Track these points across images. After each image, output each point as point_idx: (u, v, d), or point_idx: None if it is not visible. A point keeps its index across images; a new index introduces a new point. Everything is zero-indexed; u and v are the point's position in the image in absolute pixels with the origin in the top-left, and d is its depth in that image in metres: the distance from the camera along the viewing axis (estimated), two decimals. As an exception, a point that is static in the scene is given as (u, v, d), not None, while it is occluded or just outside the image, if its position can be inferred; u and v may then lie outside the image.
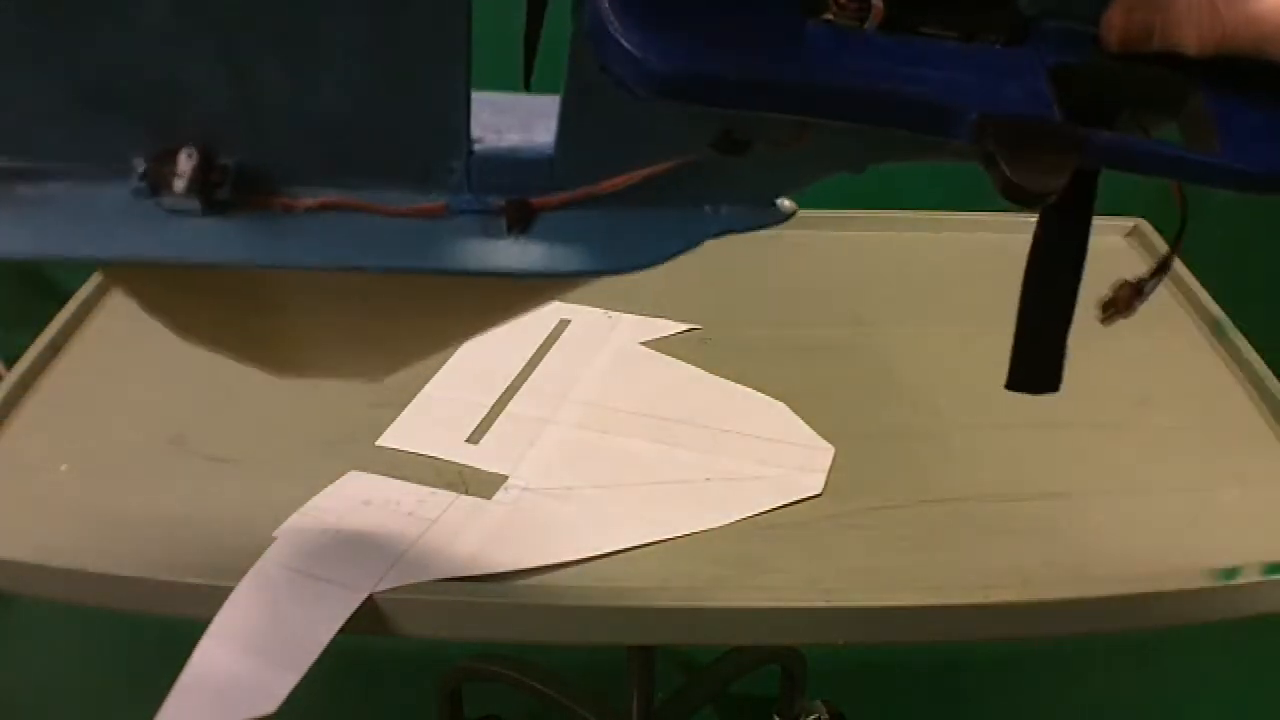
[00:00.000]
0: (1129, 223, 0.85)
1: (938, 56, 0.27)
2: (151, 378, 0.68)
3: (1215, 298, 0.76)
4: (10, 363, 0.68)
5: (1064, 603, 0.51)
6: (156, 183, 0.29)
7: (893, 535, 0.56)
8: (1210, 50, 0.26)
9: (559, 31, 0.28)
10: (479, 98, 0.30)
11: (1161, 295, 0.80)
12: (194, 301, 0.36)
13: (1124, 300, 0.33)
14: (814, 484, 0.58)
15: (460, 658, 1.04)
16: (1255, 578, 0.52)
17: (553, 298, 0.37)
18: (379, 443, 0.61)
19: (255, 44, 0.27)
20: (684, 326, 0.73)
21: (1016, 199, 0.26)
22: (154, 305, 0.37)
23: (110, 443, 0.62)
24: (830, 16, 0.26)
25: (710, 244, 0.88)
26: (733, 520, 0.56)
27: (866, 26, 0.26)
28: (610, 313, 0.74)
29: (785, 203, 0.33)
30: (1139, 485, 0.60)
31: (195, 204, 0.29)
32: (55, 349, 0.70)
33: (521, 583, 0.52)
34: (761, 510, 0.57)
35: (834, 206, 0.87)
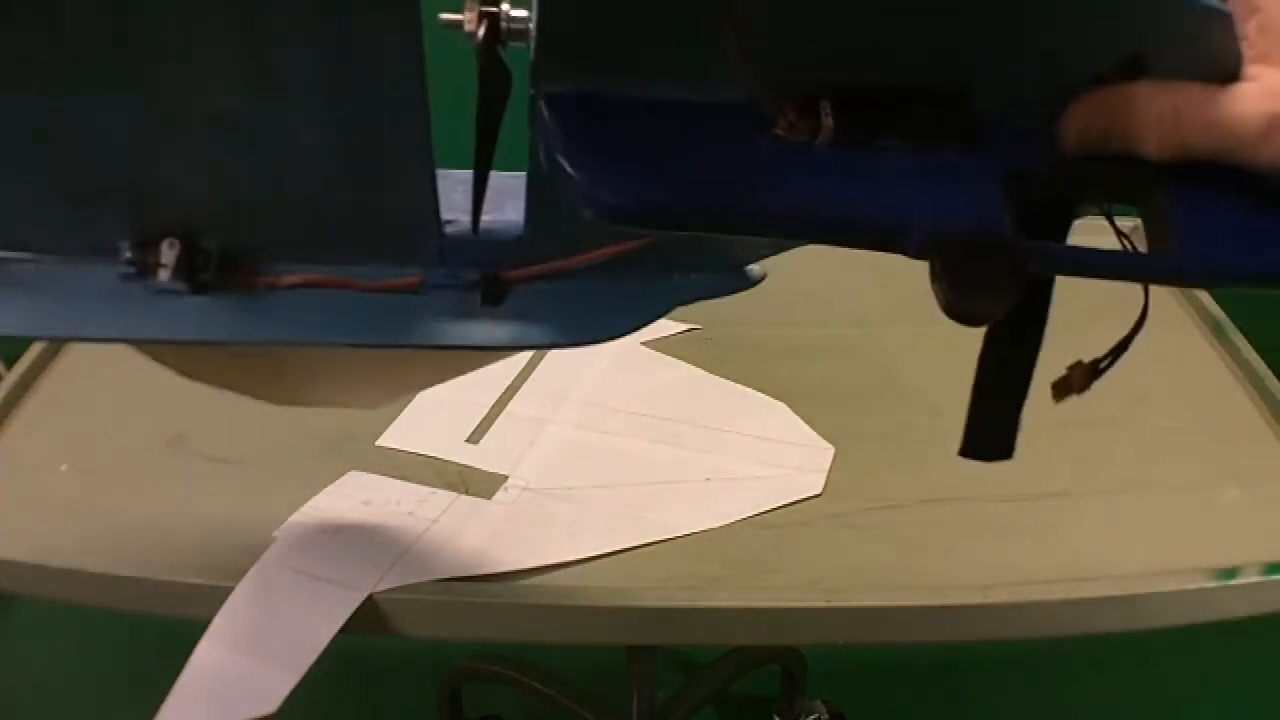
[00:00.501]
0: (1129, 223, 0.85)
1: (888, 170, 0.27)
2: (151, 378, 0.68)
3: (1215, 298, 0.76)
4: (10, 363, 0.68)
5: (1064, 603, 0.52)
6: (142, 268, 0.30)
7: (893, 535, 0.56)
8: (1170, 156, 0.26)
9: (520, 110, 0.28)
10: (449, 175, 0.30)
11: (1161, 295, 0.79)
12: (196, 350, 0.38)
13: (1079, 381, 0.33)
14: (814, 484, 0.58)
15: (460, 658, 1.03)
16: (1255, 578, 0.52)
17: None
18: (379, 443, 0.61)
19: (225, 143, 0.28)
20: (684, 326, 0.73)
21: (960, 320, 0.26)
22: (157, 355, 0.38)
23: (110, 443, 0.62)
24: (780, 132, 0.26)
25: (710, 244, 0.85)
26: (733, 520, 0.56)
27: (817, 141, 0.26)
28: (610, 313, 0.74)
29: (755, 269, 0.34)
30: (1138, 485, 0.60)
31: (182, 286, 0.31)
32: (55, 349, 0.70)
33: (521, 583, 0.52)
34: (761, 510, 0.57)
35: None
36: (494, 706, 1.09)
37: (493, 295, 0.32)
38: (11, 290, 0.31)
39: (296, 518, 0.55)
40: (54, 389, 0.67)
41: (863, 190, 0.26)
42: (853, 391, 0.67)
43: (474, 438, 0.62)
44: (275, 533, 0.53)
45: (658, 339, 0.71)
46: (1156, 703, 1.17)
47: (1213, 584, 0.52)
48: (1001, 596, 0.51)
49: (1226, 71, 0.25)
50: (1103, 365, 0.32)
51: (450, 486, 0.58)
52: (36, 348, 0.69)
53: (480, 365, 0.40)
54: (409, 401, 0.65)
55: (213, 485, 0.58)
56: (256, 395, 0.42)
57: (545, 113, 0.25)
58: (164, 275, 0.30)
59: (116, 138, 0.27)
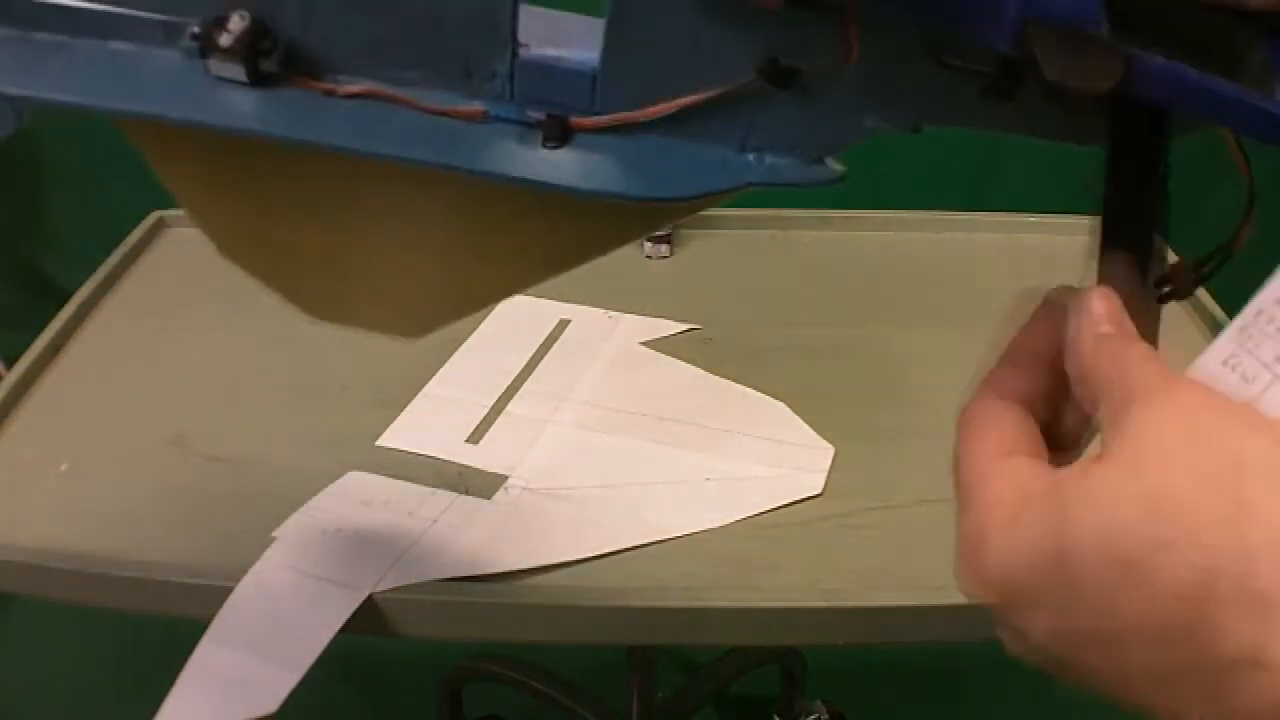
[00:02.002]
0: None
1: None
2: (151, 378, 0.68)
3: (1215, 298, 0.76)
4: (10, 363, 0.68)
5: (1064, 603, 0.51)
6: (207, 46, 0.30)
7: (893, 535, 0.56)
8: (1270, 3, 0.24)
9: None
10: (533, 11, 0.30)
11: (1161, 295, 0.80)
12: (231, 210, 0.36)
13: (1181, 281, 0.30)
14: (814, 484, 0.58)
15: (460, 658, 1.04)
16: (1255, 578, 0.52)
17: (599, 251, 0.36)
18: (379, 443, 0.61)
19: None
20: (684, 326, 0.73)
21: (1057, 99, 0.24)
22: (201, 207, 0.37)
23: (110, 443, 0.62)
24: None
25: (710, 244, 0.88)
26: (733, 520, 0.56)
27: None
28: (610, 313, 0.74)
29: (835, 164, 0.32)
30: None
31: (241, 71, 0.30)
32: (55, 349, 0.70)
33: (521, 583, 0.52)
34: (761, 510, 0.57)
35: (834, 206, 0.87)
36: (494, 706, 1.10)
37: (556, 135, 0.31)
38: (72, 60, 0.31)
39: (296, 518, 0.55)
40: (54, 389, 0.67)
41: None
42: (853, 391, 0.67)
43: (474, 438, 0.62)
44: (275, 533, 0.53)
45: (658, 339, 0.71)
46: (1156, 703, 1.17)
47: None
48: (1001, 596, 0.51)
49: None
50: (1206, 269, 0.30)
51: (450, 486, 0.58)
52: (36, 348, 0.69)
53: (552, 272, 0.38)
54: (409, 401, 0.65)
55: (213, 485, 0.58)
56: (296, 295, 0.40)
57: None
58: (226, 40, 0.29)
59: None
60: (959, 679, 1.16)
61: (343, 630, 0.48)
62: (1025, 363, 0.30)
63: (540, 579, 0.52)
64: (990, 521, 0.27)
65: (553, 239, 0.35)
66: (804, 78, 0.29)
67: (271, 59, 0.30)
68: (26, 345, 0.69)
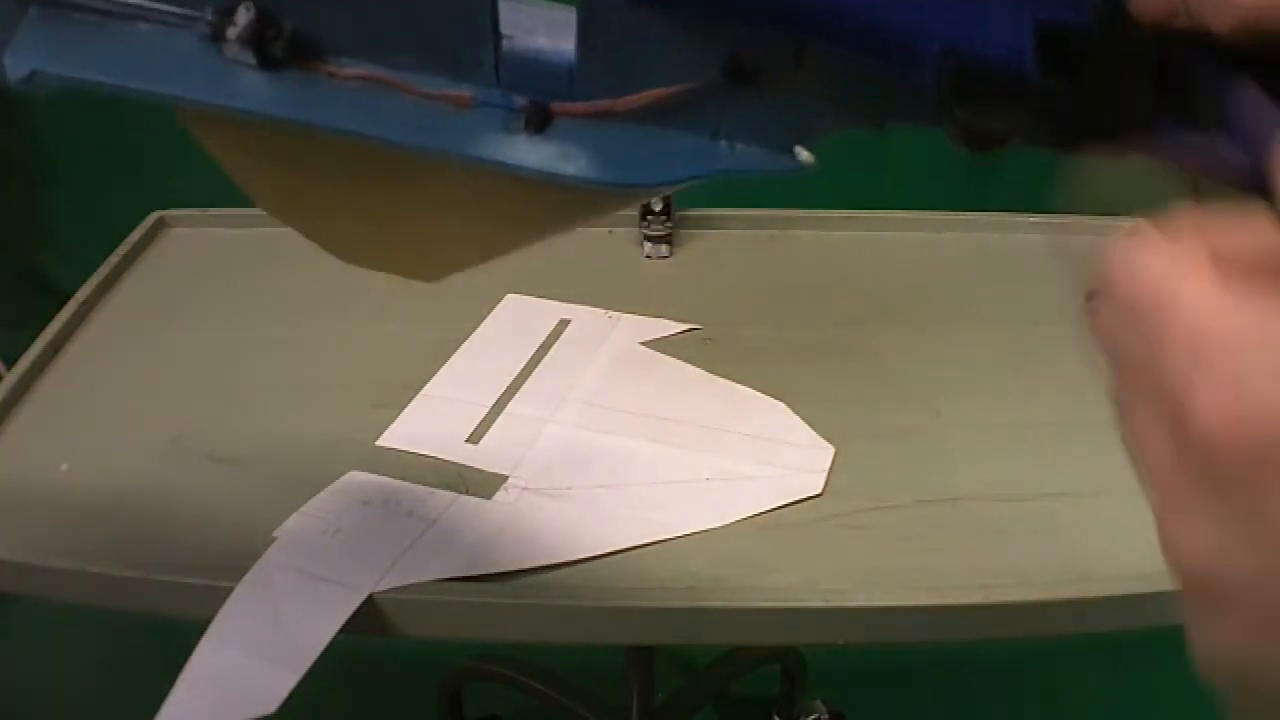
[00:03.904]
0: (1130, 223, 0.85)
1: None
2: (151, 378, 0.68)
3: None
4: (10, 363, 0.68)
5: (1064, 603, 0.52)
6: (218, 33, 0.32)
7: (893, 535, 0.56)
8: (1235, 27, 0.23)
9: None
10: (516, 4, 0.32)
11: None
12: (272, 170, 0.39)
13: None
14: (814, 484, 0.58)
15: (460, 658, 1.04)
16: (1255, 578, 0.52)
17: (595, 213, 0.38)
18: (379, 443, 0.61)
19: None
20: (684, 326, 0.73)
21: (962, 141, 0.25)
22: (249, 176, 0.40)
23: (110, 442, 0.62)
24: None
25: (711, 244, 0.88)
26: (733, 520, 0.56)
27: None
28: (610, 313, 0.74)
29: (804, 154, 0.33)
30: (1139, 485, 0.60)
31: (250, 57, 0.32)
32: (55, 349, 0.70)
33: (521, 583, 0.52)
34: (761, 510, 0.57)
35: (834, 206, 0.87)
36: (494, 706, 1.10)
37: (536, 121, 0.33)
38: (96, 40, 0.33)
39: (296, 518, 0.55)
40: (54, 389, 0.67)
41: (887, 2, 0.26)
42: (853, 391, 0.67)
43: (474, 438, 0.62)
44: (275, 533, 0.53)
45: (658, 339, 0.71)
46: (1157, 703, 1.17)
47: (1213, 584, 0.52)
48: (1001, 596, 0.51)
49: None
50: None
51: (450, 486, 0.58)
52: (36, 347, 0.69)
53: (557, 229, 0.41)
54: (409, 401, 0.65)
55: (213, 485, 0.58)
56: (335, 246, 0.43)
57: None
58: (233, 33, 0.32)
59: None
60: (959, 679, 1.16)
61: (343, 630, 0.48)
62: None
63: (540, 579, 0.52)
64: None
65: (553, 205, 0.37)
66: (765, 76, 0.31)
67: (279, 44, 0.32)
68: (26, 345, 0.69)
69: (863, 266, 0.82)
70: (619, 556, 0.54)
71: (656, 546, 0.54)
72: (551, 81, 0.33)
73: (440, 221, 0.40)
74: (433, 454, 0.60)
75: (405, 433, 0.62)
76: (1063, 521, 0.57)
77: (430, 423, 0.63)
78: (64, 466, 0.59)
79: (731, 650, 1.06)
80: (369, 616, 0.50)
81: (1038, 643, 0.53)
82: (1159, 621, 0.54)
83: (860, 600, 0.51)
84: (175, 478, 0.59)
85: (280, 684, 0.46)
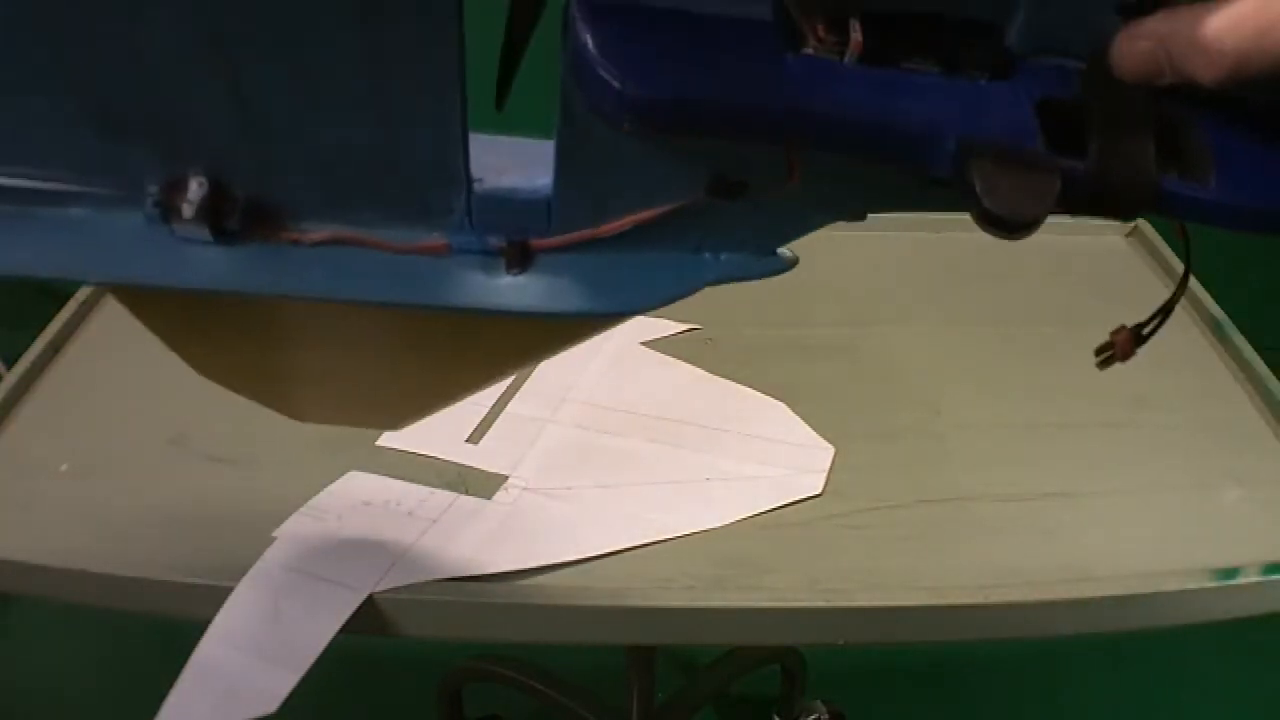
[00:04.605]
0: (1129, 223, 0.85)
1: (918, 88, 0.27)
2: (151, 378, 0.68)
3: (1215, 298, 0.76)
4: (10, 363, 0.68)
5: (1064, 603, 0.52)
6: (168, 209, 0.30)
7: (893, 535, 0.56)
8: (1223, 77, 0.24)
9: (546, 68, 0.28)
10: (482, 140, 0.30)
11: (1161, 295, 0.80)
12: (210, 339, 0.37)
13: (1123, 347, 0.32)
14: (814, 484, 0.58)
15: (460, 658, 1.04)
16: (1255, 578, 0.52)
17: (563, 347, 0.37)
18: (379, 443, 0.61)
19: (256, 79, 0.28)
20: (684, 326, 0.73)
21: (998, 229, 0.25)
22: (172, 341, 0.38)
23: (110, 443, 0.62)
24: (810, 50, 0.26)
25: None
26: (733, 520, 0.56)
27: (846, 59, 0.26)
28: (610, 313, 0.74)
29: (786, 253, 0.34)
30: (1139, 485, 0.60)
31: (205, 232, 0.30)
32: (55, 349, 0.70)
33: (521, 583, 0.52)
34: (761, 510, 0.57)
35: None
36: (494, 706, 1.10)
37: (518, 260, 0.32)
38: (32, 230, 0.31)
39: (296, 518, 0.55)
40: (54, 389, 0.67)
41: (893, 104, 0.26)
42: (853, 391, 0.67)
43: (474, 438, 0.62)
44: (275, 533, 0.53)
45: (658, 339, 0.71)
46: (1157, 703, 1.17)
47: (1213, 584, 0.52)
48: (1001, 596, 0.51)
49: None
50: (1146, 331, 0.32)
51: (450, 486, 0.58)
52: (37, 347, 0.69)
53: (501, 375, 0.40)
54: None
55: (213, 485, 0.58)
56: (270, 402, 0.41)
57: (578, 18, 0.25)
58: (188, 211, 0.29)
59: (146, 61, 0.27)
60: (959, 679, 1.16)
61: (343, 630, 0.48)
62: None
63: (540, 579, 0.52)
64: None
65: (517, 342, 0.36)
66: (749, 190, 0.30)
67: (234, 218, 0.30)
68: (26, 345, 0.69)
69: (863, 266, 0.82)
70: (619, 556, 0.54)
71: (656, 546, 0.54)
72: (528, 218, 0.31)
73: (390, 370, 0.38)
74: (433, 454, 0.60)
75: (405, 433, 0.62)
76: (1063, 521, 0.57)
77: (430, 423, 0.63)
78: (64, 466, 0.59)
79: (731, 650, 1.06)
80: (369, 616, 0.50)
81: (1038, 643, 0.53)
82: (1159, 621, 0.54)
83: (860, 600, 0.51)
84: (175, 478, 0.59)
85: (280, 684, 0.46)
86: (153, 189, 0.30)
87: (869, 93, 0.26)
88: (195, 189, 0.29)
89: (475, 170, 0.31)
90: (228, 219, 0.30)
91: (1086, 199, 0.26)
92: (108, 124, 0.29)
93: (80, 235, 0.31)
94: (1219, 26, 0.23)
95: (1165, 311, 0.32)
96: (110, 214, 0.31)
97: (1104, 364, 0.32)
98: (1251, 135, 0.26)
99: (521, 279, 0.32)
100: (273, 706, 0.45)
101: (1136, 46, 0.25)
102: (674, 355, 0.70)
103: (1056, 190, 0.25)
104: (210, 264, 0.31)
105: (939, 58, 0.27)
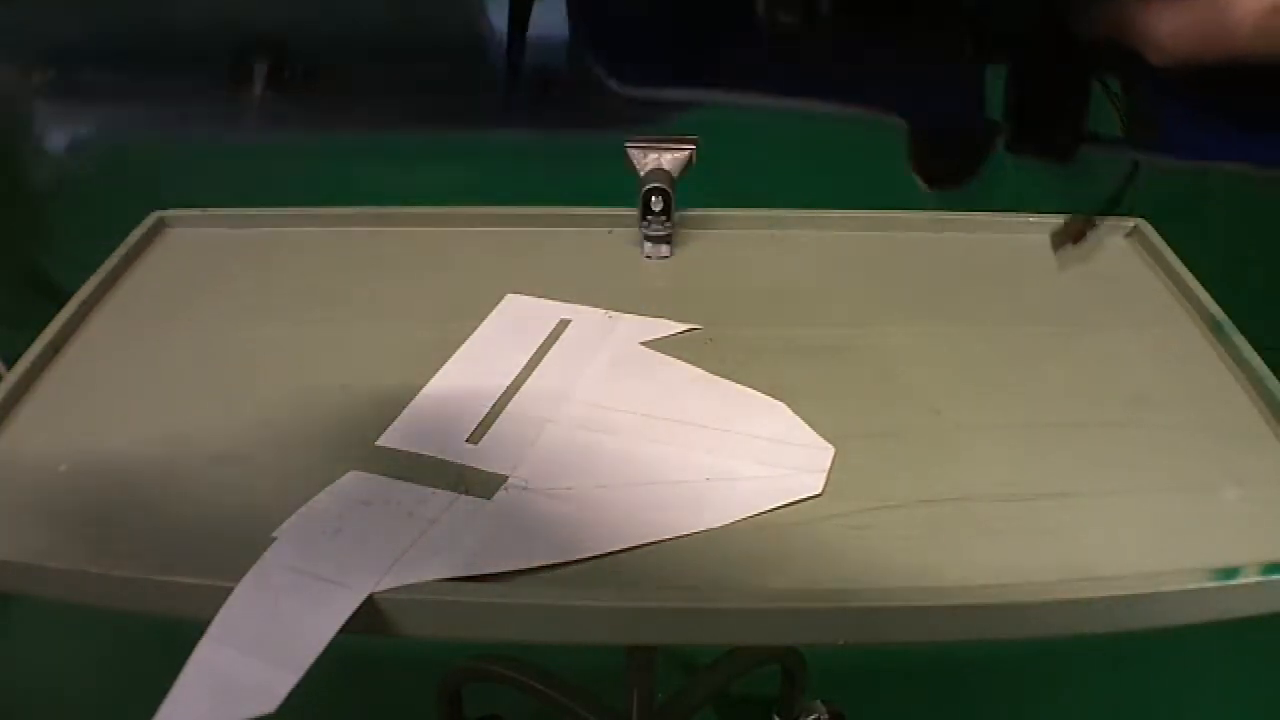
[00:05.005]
0: (1129, 223, 0.85)
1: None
2: (151, 378, 0.68)
3: (1215, 298, 0.76)
4: (10, 363, 0.68)
5: (1064, 603, 0.52)
6: (238, 80, 0.34)
7: (893, 535, 0.56)
8: (1173, 67, 0.26)
9: None
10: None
11: (1161, 295, 0.80)
12: None
13: (1075, 229, 0.36)
14: (814, 484, 0.58)
15: (460, 658, 1.04)
16: (1255, 578, 0.52)
17: None
18: (379, 443, 0.61)
19: None
20: (684, 326, 0.73)
21: (928, 181, 0.29)
22: None
23: (110, 442, 0.62)
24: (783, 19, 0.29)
25: (711, 244, 0.88)
26: (733, 520, 0.56)
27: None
28: (610, 313, 0.74)
29: None
30: (1138, 485, 0.60)
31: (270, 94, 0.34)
32: (55, 349, 0.70)
33: (521, 583, 0.52)
34: (761, 510, 0.57)
35: (833, 206, 0.87)
36: (494, 706, 1.10)
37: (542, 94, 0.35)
38: (118, 99, 0.35)
39: (296, 518, 0.55)
40: (54, 389, 0.67)
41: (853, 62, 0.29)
42: (853, 391, 0.67)
43: (474, 438, 0.62)
44: (275, 533, 0.53)
45: (658, 339, 0.71)
46: (1157, 703, 1.17)
47: (1213, 584, 0.52)
48: (1001, 596, 0.51)
49: None
50: (1097, 219, 0.36)
51: (450, 486, 0.58)
52: (36, 348, 0.69)
53: None
54: (409, 401, 0.65)
55: (213, 485, 0.58)
56: None
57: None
58: (257, 89, 0.33)
59: None
60: (959, 679, 1.16)
61: (343, 630, 0.48)
62: None
63: (540, 579, 0.52)
64: None
65: None
66: None
67: (293, 83, 0.34)
68: (26, 345, 0.69)
69: (863, 266, 0.82)
70: (619, 556, 0.54)
71: (656, 546, 0.54)
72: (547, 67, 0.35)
73: None
74: (433, 454, 0.60)
75: (405, 433, 0.62)
76: (1063, 521, 0.57)
77: (430, 423, 0.63)
78: (64, 467, 0.59)
79: (731, 650, 1.06)
80: (369, 616, 0.50)
81: (1038, 643, 0.52)
82: (1159, 621, 0.54)
83: (860, 600, 0.51)
84: (175, 478, 0.59)
85: (280, 684, 0.46)
86: (226, 63, 0.33)
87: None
88: (260, 65, 0.33)
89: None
90: (288, 85, 0.33)
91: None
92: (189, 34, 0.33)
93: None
94: (1166, 32, 0.26)
95: (1115, 201, 0.34)
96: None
97: (1057, 246, 0.36)
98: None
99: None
100: (272, 706, 0.45)
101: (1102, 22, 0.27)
102: (674, 355, 0.70)
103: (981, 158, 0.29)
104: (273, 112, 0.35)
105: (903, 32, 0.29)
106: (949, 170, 0.30)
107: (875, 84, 0.29)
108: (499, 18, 0.34)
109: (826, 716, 1.10)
